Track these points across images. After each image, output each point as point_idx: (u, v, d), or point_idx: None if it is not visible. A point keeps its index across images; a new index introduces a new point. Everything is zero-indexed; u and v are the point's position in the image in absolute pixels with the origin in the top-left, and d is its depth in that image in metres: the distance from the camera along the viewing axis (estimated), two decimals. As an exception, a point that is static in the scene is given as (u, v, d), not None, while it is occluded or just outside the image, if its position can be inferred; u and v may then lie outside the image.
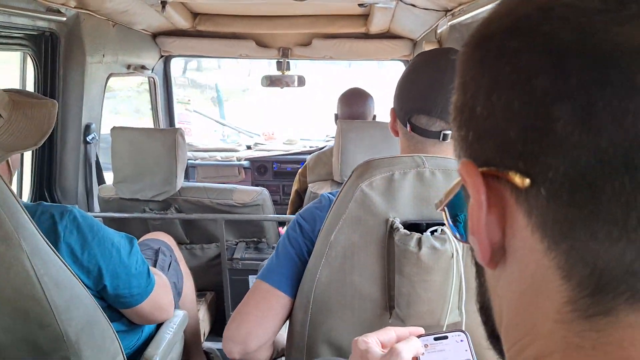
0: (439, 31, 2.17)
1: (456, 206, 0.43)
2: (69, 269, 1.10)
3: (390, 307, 1.01)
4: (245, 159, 3.38)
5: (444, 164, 0.98)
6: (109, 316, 1.23)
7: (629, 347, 0.28)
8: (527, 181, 0.30)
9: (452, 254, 0.94)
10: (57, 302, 1.05)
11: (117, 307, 1.30)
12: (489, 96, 0.33)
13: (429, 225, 0.97)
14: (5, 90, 1.21)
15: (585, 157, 0.28)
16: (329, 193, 1.15)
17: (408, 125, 1.07)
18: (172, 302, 1.45)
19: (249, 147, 3.53)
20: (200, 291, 2.41)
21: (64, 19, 1.96)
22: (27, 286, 1.02)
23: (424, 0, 1.98)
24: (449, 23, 1.93)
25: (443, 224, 0.95)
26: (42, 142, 1.22)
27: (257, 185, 3.35)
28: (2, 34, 1.85)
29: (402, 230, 0.95)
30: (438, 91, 1.02)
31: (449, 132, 1.03)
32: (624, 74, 0.27)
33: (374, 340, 0.65)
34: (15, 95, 1.25)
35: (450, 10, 1.97)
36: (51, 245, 1.07)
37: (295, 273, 1.09)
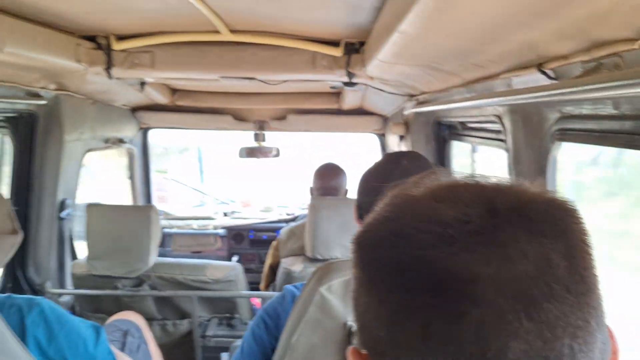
0: (405, 113, 2.29)
1: None
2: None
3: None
4: (222, 227, 3.40)
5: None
6: None
7: None
8: None
9: None
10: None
11: None
12: (365, 295, 0.38)
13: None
14: None
15: None
16: (293, 286, 1.19)
17: (361, 219, 1.15)
18: None
19: (225, 215, 3.56)
20: (174, 368, 2.38)
21: (44, 102, 2.03)
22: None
23: (390, 87, 2.10)
24: (413, 109, 2.05)
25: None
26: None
27: (233, 254, 3.37)
28: (-18, 118, 1.90)
29: (359, 334, 0.99)
30: (383, 193, 1.10)
31: None
32: (453, 301, 0.32)
33: None
34: None
35: (415, 95, 2.10)
36: (18, 339, 1.08)
37: None
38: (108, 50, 1.90)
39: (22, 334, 1.14)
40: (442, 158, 2.16)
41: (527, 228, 0.34)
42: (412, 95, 2.15)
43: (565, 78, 0.90)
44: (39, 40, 1.56)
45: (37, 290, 2.25)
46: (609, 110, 0.89)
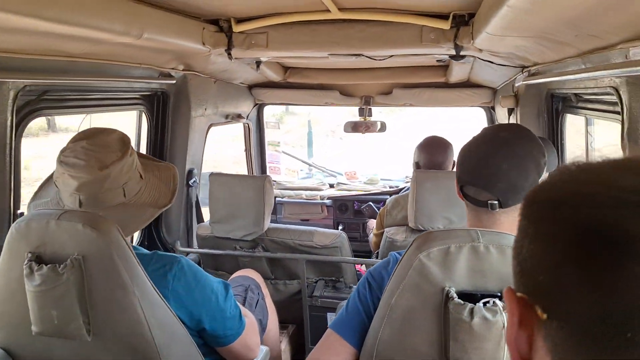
0: (516, 85, 2.22)
1: None
2: (171, 311, 1.30)
3: (446, 369, 1.09)
4: (328, 198, 3.55)
5: (498, 240, 1.07)
6: (204, 352, 1.41)
7: None
8: (545, 316, 0.41)
9: (503, 325, 1.01)
10: (160, 340, 1.25)
11: (212, 345, 1.48)
12: (530, 243, 0.44)
13: (483, 296, 1.05)
14: None
15: (589, 313, 0.37)
16: (397, 253, 1.27)
17: (461, 193, 1.19)
18: (258, 343, 1.62)
19: (331, 186, 3.71)
20: (283, 323, 2.59)
21: (174, 81, 2.27)
22: (138, 326, 1.23)
23: (500, 59, 2.05)
24: (524, 82, 1.99)
25: (496, 296, 1.04)
26: (174, 199, 1.45)
27: (338, 223, 3.52)
28: (125, 97, 2.18)
29: (457, 299, 1.04)
30: (484, 166, 1.14)
31: (495, 202, 1.12)
32: (618, 255, 0.36)
33: None
34: (140, 158, 1.49)
35: (527, 67, 2.03)
36: (158, 291, 1.27)
37: (362, 327, 1.21)
38: (229, 33, 2.07)
39: (164, 286, 1.31)
40: (554, 131, 2.07)
41: None
42: (523, 67, 2.08)
43: (685, 48, 0.86)
44: (171, 26, 1.75)
45: (168, 249, 2.56)
46: None
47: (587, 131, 1.70)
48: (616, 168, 0.41)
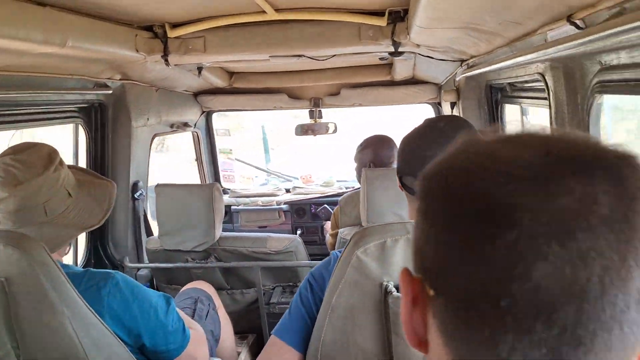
0: (456, 79, 2.25)
1: None
2: (108, 329, 1.24)
3: (391, 365, 1.08)
4: (285, 203, 3.52)
5: (433, 230, 1.06)
6: None
7: None
8: (432, 292, 0.40)
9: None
10: (96, 361, 1.19)
11: None
12: (421, 221, 0.43)
13: (421, 288, 1.04)
14: (69, 167, 1.39)
15: (468, 285, 0.36)
16: (338, 251, 1.25)
17: (400, 184, 1.20)
18: (207, 354, 1.57)
19: (288, 191, 3.68)
20: (243, 333, 2.53)
21: (110, 91, 2.19)
22: (71, 349, 1.17)
23: (439, 53, 2.07)
24: (463, 74, 2.01)
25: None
26: (104, 220, 1.40)
27: (297, 227, 3.49)
28: (57, 109, 2.10)
29: (395, 293, 1.03)
30: (420, 156, 1.14)
31: None
32: (493, 224, 0.35)
33: None
34: (79, 174, 1.43)
35: (465, 60, 2.06)
36: (92, 310, 1.21)
37: (306, 330, 1.18)
38: (164, 39, 2.01)
39: (99, 304, 1.26)
40: (494, 122, 2.11)
41: (579, 169, 0.35)
42: (462, 61, 2.11)
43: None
44: (99, 33, 1.69)
45: (117, 266, 2.47)
46: (643, 57, 0.86)
47: (522, 120, 1.74)
48: (501, 142, 0.40)
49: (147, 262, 2.50)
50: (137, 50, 1.94)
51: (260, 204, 3.54)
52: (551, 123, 1.25)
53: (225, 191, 3.67)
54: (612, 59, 0.97)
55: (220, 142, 3.62)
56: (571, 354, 0.34)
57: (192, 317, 1.85)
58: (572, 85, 1.15)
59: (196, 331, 1.53)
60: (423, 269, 0.42)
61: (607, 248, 0.33)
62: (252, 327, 2.54)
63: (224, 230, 2.49)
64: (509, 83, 1.84)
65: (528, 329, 0.34)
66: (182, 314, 1.50)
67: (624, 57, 0.93)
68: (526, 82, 1.58)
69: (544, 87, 1.32)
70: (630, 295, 0.34)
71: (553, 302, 0.33)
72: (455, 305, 0.38)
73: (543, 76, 1.29)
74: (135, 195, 2.51)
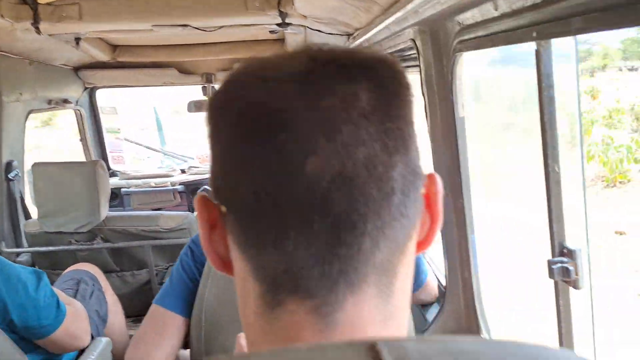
0: (344, 52, 2.31)
1: None
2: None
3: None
4: (180, 183, 3.42)
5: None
6: (23, 348, 1.28)
7: (289, 327, 0.38)
8: (224, 209, 0.41)
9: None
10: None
11: (29, 338, 1.35)
12: (210, 144, 0.43)
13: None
14: None
15: (248, 194, 0.38)
16: None
17: None
18: (87, 330, 1.50)
19: (183, 171, 3.58)
20: (137, 316, 2.44)
21: (-26, 61, 1.99)
22: None
23: (326, 26, 2.11)
24: (351, 46, 2.08)
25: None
26: None
27: (193, 208, 3.41)
28: None
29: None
30: None
31: None
32: (265, 128, 0.37)
33: None
34: None
35: (351, 34, 2.12)
36: None
37: (188, 295, 1.17)
38: (34, 4, 1.85)
39: None
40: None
41: (341, 72, 0.38)
42: (349, 35, 2.17)
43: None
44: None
45: (-8, 251, 2.26)
46: (492, 13, 0.94)
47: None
48: (272, 57, 0.42)
49: (27, 246, 2.32)
50: (3, 16, 1.77)
51: (154, 185, 3.41)
52: (422, 85, 1.33)
53: (114, 173, 3.49)
54: (467, 17, 1.05)
55: (108, 122, 3.43)
56: (348, 238, 0.37)
57: (74, 297, 1.75)
58: (437, 47, 1.23)
59: (74, 307, 1.46)
60: (216, 189, 0.42)
61: (368, 138, 0.37)
62: (145, 309, 2.42)
63: None
64: (390, 53, 1.93)
65: (307, 222, 0.36)
66: (57, 291, 1.42)
67: (477, 15, 1.01)
68: (402, 49, 1.67)
69: (416, 53, 1.39)
70: (394, 180, 0.38)
71: (326, 192, 0.36)
72: (244, 214, 0.39)
73: (414, 41, 1.37)
74: (10, 176, 2.31)
